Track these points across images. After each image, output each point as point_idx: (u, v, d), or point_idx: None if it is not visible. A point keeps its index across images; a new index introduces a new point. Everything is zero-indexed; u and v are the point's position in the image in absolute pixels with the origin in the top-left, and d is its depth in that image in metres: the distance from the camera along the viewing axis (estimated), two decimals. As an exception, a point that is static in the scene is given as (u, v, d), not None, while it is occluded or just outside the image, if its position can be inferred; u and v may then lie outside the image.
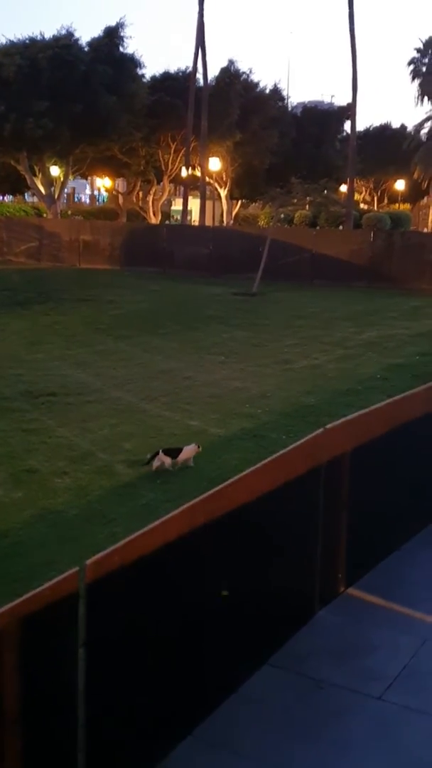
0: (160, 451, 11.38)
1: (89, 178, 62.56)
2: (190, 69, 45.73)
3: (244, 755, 5.75)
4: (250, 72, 51.65)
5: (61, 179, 48.36)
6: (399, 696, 6.48)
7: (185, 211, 50.82)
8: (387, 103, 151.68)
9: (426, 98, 55.73)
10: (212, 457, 11.65)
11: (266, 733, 6.02)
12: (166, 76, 48.21)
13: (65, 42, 40.19)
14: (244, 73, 49.36)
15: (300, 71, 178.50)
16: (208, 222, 52.57)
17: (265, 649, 6.92)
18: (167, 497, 10.35)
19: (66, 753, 4.87)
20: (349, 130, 50.72)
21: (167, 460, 11.24)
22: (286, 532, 7.08)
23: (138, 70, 43.78)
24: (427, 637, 7.37)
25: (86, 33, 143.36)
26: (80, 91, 40.00)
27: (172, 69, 50.65)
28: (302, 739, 5.98)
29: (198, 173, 47.28)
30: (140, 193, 56.40)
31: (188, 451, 11.40)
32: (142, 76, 44.73)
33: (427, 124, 57.02)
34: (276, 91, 53.97)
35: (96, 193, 74.73)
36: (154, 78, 47.43)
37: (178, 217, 57.13)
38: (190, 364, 18.57)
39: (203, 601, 5.97)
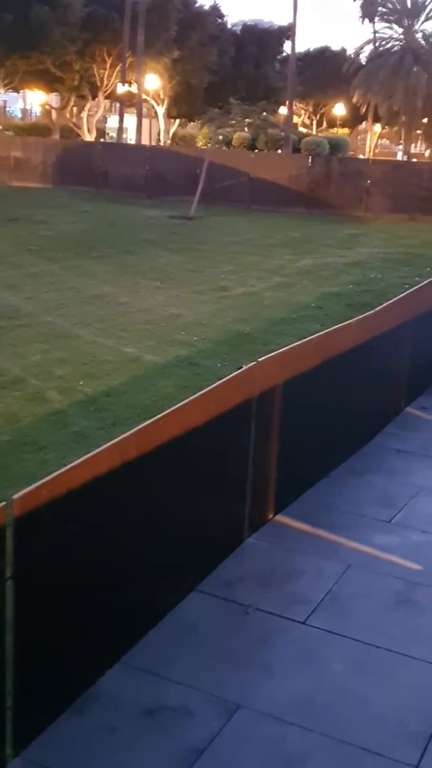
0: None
1: (21, 92, 60.56)
2: (127, -20, 44.30)
3: (173, 680, 5.89)
4: (189, -14, 50.35)
5: (-8, 92, 46.82)
6: (322, 620, 6.69)
7: (121, 129, 49.71)
8: (327, 25, 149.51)
9: (367, 20, 55.09)
10: (147, 384, 11.65)
11: (195, 658, 6.17)
12: (102, -13, 46.65)
13: None
14: (182, -13, 48.11)
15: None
16: (145, 141, 51.56)
17: (194, 576, 7.06)
18: (100, 425, 10.36)
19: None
20: (289, 51, 49.99)
21: None
22: (218, 463, 7.17)
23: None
24: (351, 563, 7.59)
25: None
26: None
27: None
28: (231, 663, 6.14)
29: (134, 90, 46.15)
30: (74, 109, 54.93)
31: None
32: (77, -14, 43.23)
33: (368, 47, 56.48)
34: (215, 8, 52.83)
35: (29, 107, 72.51)
36: (89, -11, 45.86)
37: (114, 135, 55.91)
38: (124, 289, 18.40)
39: (134, 531, 6.03)
